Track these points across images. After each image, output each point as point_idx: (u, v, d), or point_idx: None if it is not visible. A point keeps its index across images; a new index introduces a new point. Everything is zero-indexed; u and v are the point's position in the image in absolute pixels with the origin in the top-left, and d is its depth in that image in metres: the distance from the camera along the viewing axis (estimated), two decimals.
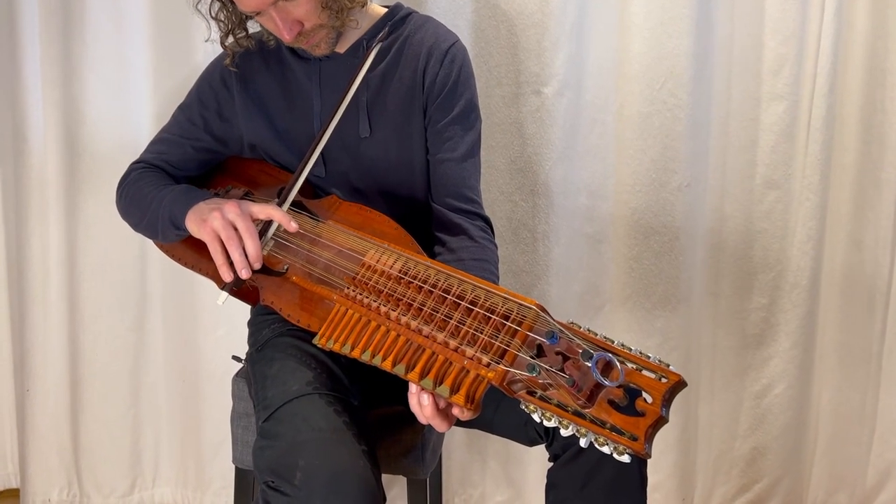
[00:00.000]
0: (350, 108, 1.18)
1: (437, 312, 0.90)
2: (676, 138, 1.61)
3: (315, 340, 0.98)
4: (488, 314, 0.87)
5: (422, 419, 0.88)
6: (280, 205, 1.11)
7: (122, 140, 1.65)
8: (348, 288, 1.00)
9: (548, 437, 1.02)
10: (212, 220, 1.04)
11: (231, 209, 1.04)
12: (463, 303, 0.89)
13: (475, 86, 1.24)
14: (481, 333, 0.86)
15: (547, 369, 0.80)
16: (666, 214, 1.64)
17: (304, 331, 1.07)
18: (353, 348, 0.94)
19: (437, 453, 1.34)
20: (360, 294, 0.98)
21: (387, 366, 0.90)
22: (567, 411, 0.78)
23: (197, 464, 1.80)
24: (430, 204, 1.22)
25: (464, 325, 0.87)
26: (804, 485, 1.78)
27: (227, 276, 1.04)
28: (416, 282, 0.94)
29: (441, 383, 0.86)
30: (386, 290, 0.96)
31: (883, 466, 1.74)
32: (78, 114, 1.64)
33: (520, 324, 0.85)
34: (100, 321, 1.72)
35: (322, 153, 1.21)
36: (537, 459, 1.74)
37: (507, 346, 0.84)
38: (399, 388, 1.13)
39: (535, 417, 0.80)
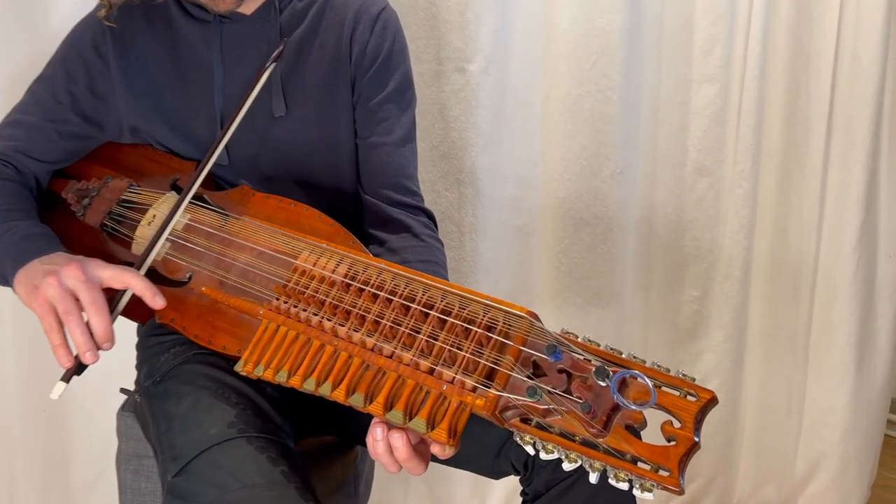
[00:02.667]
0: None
1: (401, 325, 0.74)
2: (608, 122, 1.53)
3: (238, 367, 0.80)
4: (467, 325, 0.72)
5: (391, 466, 0.72)
6: (171, 215, 0.90)
7: None
8: (278, 299, 0.82)
9: (526, 471, 0.89)
10: (46, 287, 0.80)
11: (71, 273, 0.80)
12: (433, 312, 0.74)
13: (409, 58, 1.08)
14: (460, 350, 0.71)
15: (550, 391, 0.67)
16: (598, 204, 1.56)
17: (217, 355, 0.88)
18: (290, 375, 0.77)
19: (371, 485, 1.18)
20: (295, 306, 0.81)
21: (339, 395, 0.73)
22: (574, 441, 0.65)
23: None
24: (363, 196, 1.06)
25: (437, 339, 0.72)
26: (735, 479, 1.77)
27: (64, 362, 0.80)
28: (368, 288, 0.78)
29: (414, 415, 0.70)
30: (330, 299, 0.79)
31: (812, 457, 1.74)
32: None
33: (508, 336, 0.70)
34: None
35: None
36: (466, 475, 1.61)
37: (497, 364, 0.69)
38: (328, 413, 0.96)
39: (529, 450, 0.67)
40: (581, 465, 0.65)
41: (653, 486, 0.62)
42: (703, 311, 1.66)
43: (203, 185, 1.00)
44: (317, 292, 0.80)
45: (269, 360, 0.79)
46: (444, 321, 0.73)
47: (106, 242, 0.99)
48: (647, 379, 0.64)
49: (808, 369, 1.73)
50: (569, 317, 1.61)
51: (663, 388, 0.66)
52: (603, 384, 0.65)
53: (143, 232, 0.95)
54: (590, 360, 0.67)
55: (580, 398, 0.65)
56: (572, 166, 1.55)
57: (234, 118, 0.94)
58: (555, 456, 0.66)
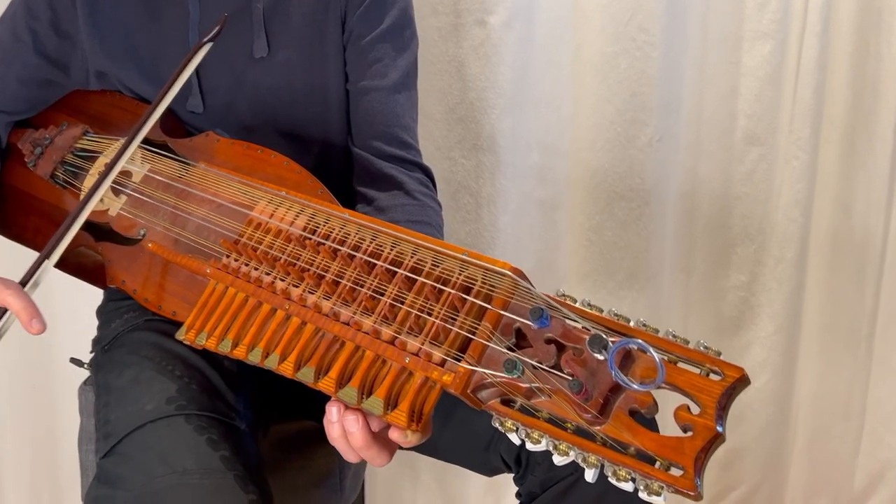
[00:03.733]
0: (241, 18, 0.89)
1: (362, 287, 0.62)
2: (647, 84, 1.38)
3: (179, 335, 0.68)
4: (439, 286, 0.59)
5: (349, 455, 0.60)
6: (111, 166, 0.78)
7: None
8: (228, 256, 0.71)
9: (519, 466, 0.75)
10: None
11: None
12: (401, 270, 0.61)
13: None
14: (430, 315, 0.58)
15: (534, 366, 0.53)
16: (633, 176, 1.42)
17: (168, 322, 0.77)
18: (235, 345, 0.65)
19: (361, 478, 1.06)
20: (246, 264, 0.69)
21: (286, 369, 0.61)
22: (565, 430, 0.52)
23: (54, 497, 1.47)
24: (352, 150, 0.94)
25: (402, 303, 0.60)
26: (783, 489, 1.60)
27: None
28: (328, 243, 0.66)
29: (370, 394, 0.58)
30: (285, 256, 0.67)
31: (874, 467, 1.56)
32: None
33: (488, 299, 0.57)
34: None
35: (199, 81, 0.91)
36: None
37: (472, 332, 0.56)
38: (306, 395, 0.85)
39: (514, 438, 0.54)
40: (574, 461, 0.51)
41: (662, 487, 0.48)
42: (751, 299, 1.50)
43: (171, 133, 0.90)
44: (271, 248, 0.69)
45: (213, 327, 0.67)
46: (412, 280, 0.60)
47: (58, 195, 0.90)
48: (653, 351, 0.50)
49: (872, 366, 1.54)
50: (598, 301, 1.46)
51: (679, 364, 0.52)
52: (600, 357, 0.51)
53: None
54: (588, 330, 0.54)
55: (570, 374, 0.52)
56: (605, 133, 1.41)
57: (156, 105, 0.81)
58: (542, 447, 0.53)
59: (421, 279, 0.60)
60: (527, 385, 0.53)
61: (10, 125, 0.97)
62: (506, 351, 0.54)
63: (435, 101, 1.36)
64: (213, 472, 0.64)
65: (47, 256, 0.71)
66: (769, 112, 1.42)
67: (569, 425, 0.52)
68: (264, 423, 0.87)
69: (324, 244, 0.66)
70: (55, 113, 0.99)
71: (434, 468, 1.53)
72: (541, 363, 0.53)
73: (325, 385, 0.59)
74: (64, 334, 1.36)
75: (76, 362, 0.86)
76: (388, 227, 0.64)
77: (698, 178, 1.46)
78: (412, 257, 0.62)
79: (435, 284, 0.59)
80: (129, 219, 0.83)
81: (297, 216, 0.70)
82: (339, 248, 0.65)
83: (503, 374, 0.53)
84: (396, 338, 0.58)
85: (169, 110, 0.92)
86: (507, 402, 0.55)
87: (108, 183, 0.76)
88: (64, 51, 0.94)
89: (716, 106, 1.43)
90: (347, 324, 0.61)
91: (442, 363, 0.56)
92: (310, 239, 0.67)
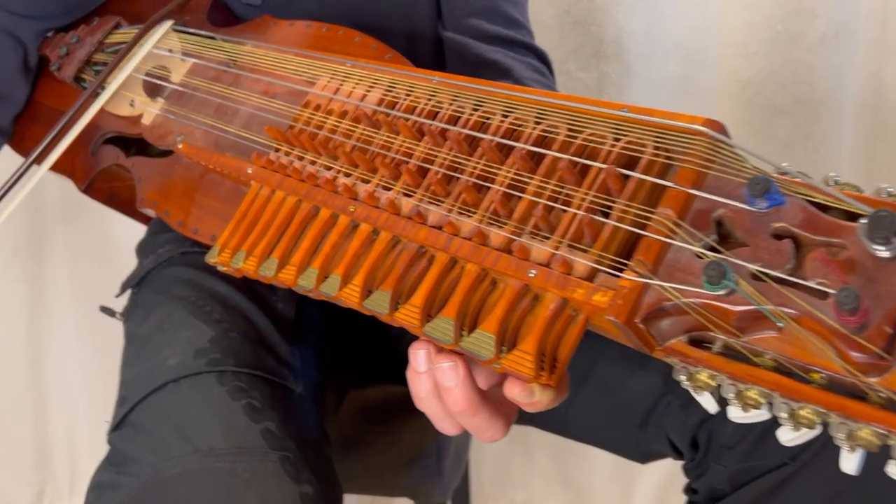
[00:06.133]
0: None
1: (461, 173, 0.42)
2: None
3: (210, 257, 0.51)
4: (583, 161, 0.38)
5: (444, 423, 0.42)
6: (127, 49, 0.63)
7: None
8: (277, 150, 0.52)
9: (695, 451, 0.53)
10: None
11: None
12: (520, 144, 0.41)
13: None
14: (570, 204, 0.37)
15: (758, 272, 0.32)
16: (800, 85, 1.16)
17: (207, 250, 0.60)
18: (282, 266, 0.47)
19: (463, 459, 0.87)
20: (300, 158, 0.50)
21: (350, 296, 0.42)
22: (809, 383, 0.31)
23: None
24: (443, 35, 0.75)
25: (524, 191, 0.39)
26: None
27: None
28: (413, 117, 0.46)
29: (474, 327, 0.38)
30: (351, 142, 0.48)
31: None
32: None
33: (665, 172, 0.36)
34: None
35: None
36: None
37: (641, 226, 0.35)
38: (393, 349, 0.67)
39: (707, 403, 0.33)
40: (825, 434, 0.31)
41: None
42: None
43: (221, 25, 0.73)
44: (333, 133, 0.50)
45: (253, 244, 0.49)
46: (541, 157, 0.40)
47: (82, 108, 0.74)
48: None
49: None
50: None
51: None
52: (885, 254, 0.29)
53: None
54: (850, 218, 0.32)
55: (835, 284, 0.30)
56: (762, 32, 1.16)
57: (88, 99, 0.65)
58: (763, 416, 0.32)
59: (552, 153, 0.39)
60: (742, 308, 0.31)
61: (42, 34, 0.82)
62: (704, 252, 0.33)
63: (544, 2, 1.15)
64: (249, 453, 0.46)
65: (36, 161, 0.55)
66: None
67: (816, 377, 0.31)
68: (338, 388, 0.69)
69: (406, 120, 0.46)
70: (91, 17, 0.84)
71: (550, 445, 1.33)
72: (770, 269, 0.31)
73: (406, 316, 0.39)
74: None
75: (107, 311, 0.71)
76: (496, 86, 0.44)
77: (883, 83, 1.19)
78: (536, 126, 0.41)
79: (575, 159, 0.38)
80: (165, 123, 0.66)
81: (368, 89, 0.51)
82: (428, 121, 0.45)
83: (703, 289, 0.32)
84: (514, 240, 0.38)
85: (219, 2, 0.76)
86: (698, 343, 0.34)
87: (117, 75, 0.59)
88: None
89: None
90: (439, 227, 0.41)
91: (590, 276, 0.35)
92: (388, 114, 0.48)
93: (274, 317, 0.59)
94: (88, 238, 1.26)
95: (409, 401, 0.75)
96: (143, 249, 0.73)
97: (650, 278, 0.33)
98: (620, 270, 0.34)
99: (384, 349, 0.72)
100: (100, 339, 1.30)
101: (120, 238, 1.19)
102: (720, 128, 0.36)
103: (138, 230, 0.82)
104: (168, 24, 0.70)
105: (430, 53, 0.78)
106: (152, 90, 0.68)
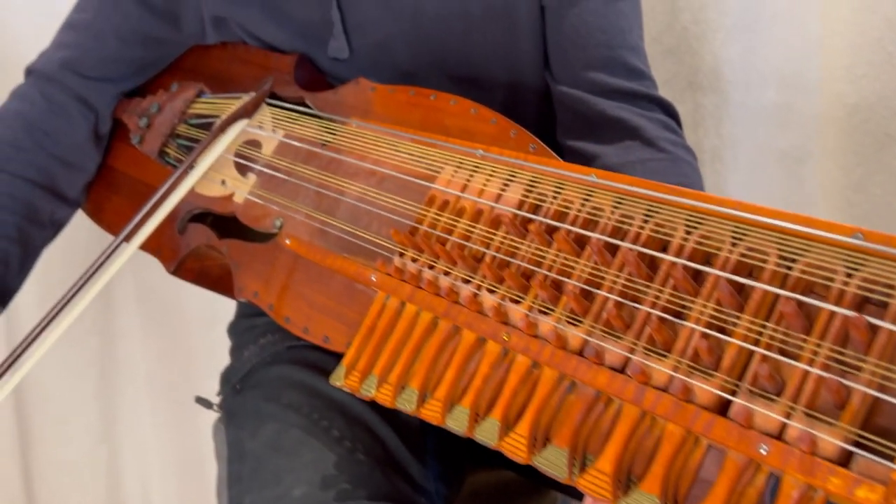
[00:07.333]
0: None
1: (642, 298, 0.36)
2: None
3: (336, 380, 0.45)
4: (806, 298, 0.32)
5: None
6: (216, 132, 0.59)
7: None
8: (402, 254, 0.47)
9: None
10: None
11: None
12: (714, 271, 0.34)
13: None
14: (801, 353, 0.31)
15: None
16: None
17: (319, 350, 0.54)
18: (423, 398, 0.41)
19: None
20: (430, 266, 0.45)
21: (518, 449, 0.36)
22: None
23: None
24: (555, 89, 0.69)
25: (735, 324, 0.33)
26: None
27: None
28: (566, 227, 0.40)
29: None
30: (492, 252, 0.42)
31: None
32: None
33: None
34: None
35: (343, 17, 0.69)
36: None
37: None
38: None
39: None
40: None
41: None
42: None
43: (310, 87, 0.68)
44: (468, 239, 0.44)
45: (386, 368, 0.44)
46: (746, 288, 0.34)
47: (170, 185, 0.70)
48: None
49: None
50: None
51: None
52: None
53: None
54: None
55: None
56: (870, 53, 1.08)
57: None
58: None
59: (764, 286, 0.33)
60: None
61: (115, 98, 0.78)
62: None
63: None
64: None
65: (125, 239, 0.51)
66: None
67: None
68: (457, 475, 0.63)
69: (558, 228, 0.40)
70: (170, 78, 0.80)
71: None
72: None
73: (592, 484, 0.33)
74: (199, 344, 1.22)
75: (203, 402, 0.67)
76: (677, 193, 0.38)
77: None
78: (734, 248, 0.35)
79: (801, 298, 0.32)
80: (260, 206, 0.61)
81: (505, 186, 0.45)
82: (590, 233, 0.39)
83: None
84: (731, 401, 0.31)
85: (304, 57, 0.71)
86: None
87: (199, 163, 0.55)
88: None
89: None
90: (621, 370, 0.35)
91: (843, 459, 0.29)
92: (532, 220, 0.42)
93: (399, 427, 0.53)
94: (158, 298, 1.25)
95: (522, 486, 0.68)
96: (237, 334, 0.68)
97: None
98: (878, 451, 0.28)
99: None
100: (170, 400, 1.29)
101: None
102: None
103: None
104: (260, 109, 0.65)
105: (534, 104, 0.72)
106: (243, 167, 0.64)
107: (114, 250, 0.61)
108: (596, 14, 0.65)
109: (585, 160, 0.64)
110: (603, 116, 0.64)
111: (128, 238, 0.62)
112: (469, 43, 0.69)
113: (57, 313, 0.57)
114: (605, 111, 0.63)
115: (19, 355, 0.55)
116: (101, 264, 0.60)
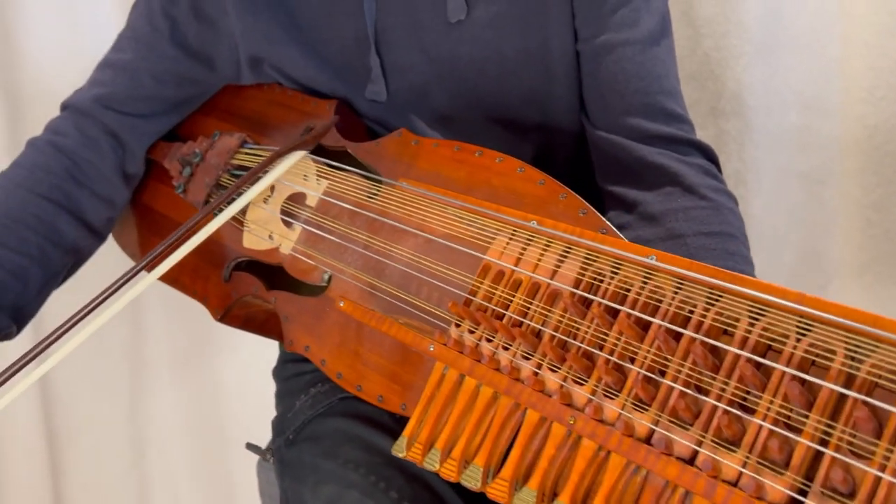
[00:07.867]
0: None
1: (709, 390, 0.37)
2: None
3: (398, 451, 0.47)
4: (875, 401, 0.33)
5: None
6: (240, 184, 0.61)
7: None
8: (459, 324, 0.48)
9: None
10: None
11: None
12: (780, 366, 0.36)
13: None
14: (888, 464, 0.32)
15: None
16: None
17: (373, 408, 0.56)
18: (487, 476, 0.42)
19: None
20: (488, 339, 0.46)
21: None
22: None
23: None
24: (592, 134, 0.70)
25: (804, 423, 0.34)
26: None
27: None
28: (625, 310, 0.41)
29: None
30: (550, 331, 0.43)
31: None
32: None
33: None
34: (76, 353, 1.26)
35: (381, 60, 0.70)
36: None
37: None
38: None
39: None
40: None
41: None
42: None
43: (350, 135, 0.69)
44: (524, 315, 0.45)
45: (448, 442, 0.45)
46: (810, 383, 0.35)
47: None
48: None
49: None
50: (882, 301, 1.16)
51: None
52: None
53: (257, 214, 0.65)
54: None
55: None
56: (889, 76, 1.09)
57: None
58: None
59: (830, 385, 0.34)
60: None
61: (147, 135, 0.79)
62: None
63: None
64: None
65: (147, 268, 0.53)
66: None
67: None
68: None
69: (619, 310, 0.41)
70: (204, 118, 0.81)
71: None
72: None
73: None
74: (229, 381, 1.24)
75: (254, 449, 0.68)
76: (739, 282, 0.39)
77: None
78: (799, 342, 0.36)
79: (868, 400, 0.33)
80: (305, 259, 0.62)
81: (561, 260, 0.46)
82: (652, 319, 0.40)
83: None
84: (803, 502, 0.33)
85: (343, 102, 0.72)
86: None
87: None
88: (206, 40, 0.75)
89: None
90: (690, 461, 0.36)
91: None
92: (591, 300, 0.43)
93: (460, 485, 0.55)
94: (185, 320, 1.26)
95: None
96: (284, 379, 0.70)
97: None
98: None
99: None
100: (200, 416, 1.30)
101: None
102: None
103: None
104: (299, 154, 0.66)
105: (569, 146, 0.73)
106: (287, 219, 0.65)
107: (133, 275, 0.60)
108: (632, 61, 0.66)
109: (626, 206, 0.65)
110: (642, 162, 0.64)
111: (149, 267, 0.61)
112: (504, 86, 0.70)
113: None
114: (645, 157, 0.64)
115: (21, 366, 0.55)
116: (119, 287, 0.59)
